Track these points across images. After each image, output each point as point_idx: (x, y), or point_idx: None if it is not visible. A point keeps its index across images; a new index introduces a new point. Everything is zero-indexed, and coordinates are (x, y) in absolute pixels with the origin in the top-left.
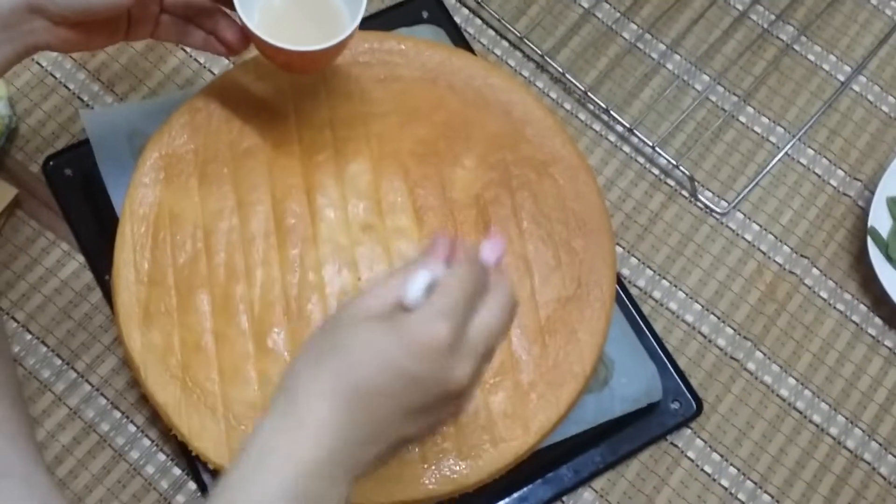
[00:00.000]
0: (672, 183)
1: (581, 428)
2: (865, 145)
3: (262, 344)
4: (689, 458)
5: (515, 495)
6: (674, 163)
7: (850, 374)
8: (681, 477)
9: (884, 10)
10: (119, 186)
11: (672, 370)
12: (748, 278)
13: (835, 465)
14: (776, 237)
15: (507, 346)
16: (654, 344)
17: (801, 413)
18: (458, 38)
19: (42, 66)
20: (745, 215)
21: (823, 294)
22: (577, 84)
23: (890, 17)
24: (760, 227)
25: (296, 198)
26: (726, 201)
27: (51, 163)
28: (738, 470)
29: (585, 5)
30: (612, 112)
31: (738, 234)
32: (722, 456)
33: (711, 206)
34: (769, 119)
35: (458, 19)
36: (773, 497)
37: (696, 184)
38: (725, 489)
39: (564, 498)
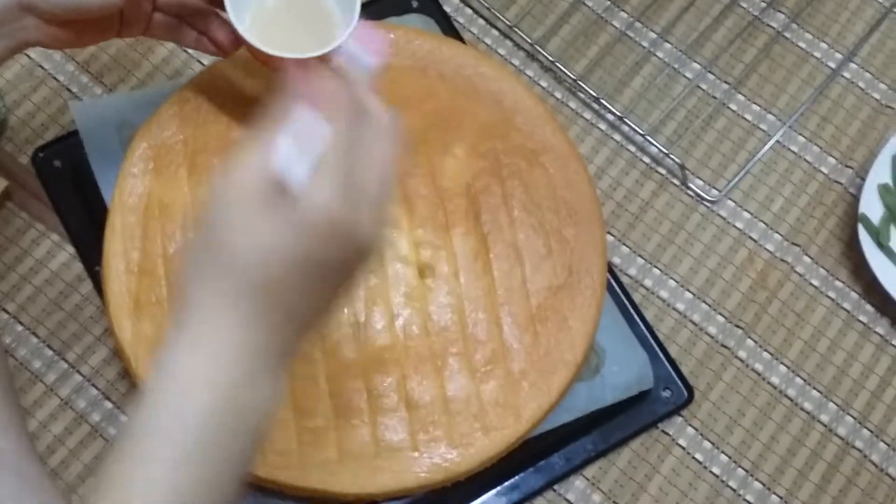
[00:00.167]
0: (663, 171)
1: (572, 416)
2: (856, 132)
3: None
4: (680, 446)
5: (507, 484)
6: (665, 151)
7: (841, 362)
8: (672, 465)
9: None
10: (108, 177)
11: (663, 358)
12: (739, 266)
13: (826, 452)
14: (767, 225)
15: (499, 334)
16: (646, 332)
17: (792, 401)
18: (448, 28)
19: (31, 58)
20: (735, 203)
21: (815, 281)
22: (568, 72)
23: (881, 3)
24: (751, 214)
25: None
26: (717, 189)
27: (40, 154)
28: (730, 457)
29: None
30: (602, 100)
31: (728, 222)
32: (713, 444)
33: (702, 193)
34: (760, 107)
35: (447, 8)
36: (764, 485)
37: (686, 172)
38: (717, 476)
39: (556, 486)
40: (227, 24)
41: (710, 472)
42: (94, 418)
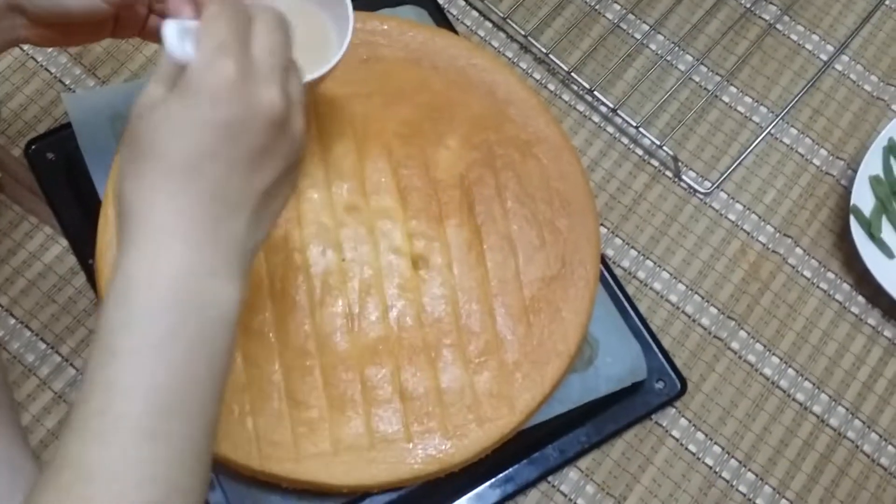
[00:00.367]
0: (656, 163)
1: (566, 407)
2: (848, 124)
3: (248, 325)
4: (673, 437)
5: (501, 475)
6: (657, 143)
7: (833, 353)
8: (665, 456)
9: None
10: (102, 169)
11: (656, 350)
12: (732, 258)
13: (819, 443)
14: (759, 216)
15: (492, 325)
16: (639, 323)
17: (784, 392)
18: (442, 19)
19: (23, 50)
20: (728, 195)
21: (807, 273)
22: (561, 65)
23: None
24: (744, 206)
25: None
26: (710, 181)
27: (33, 147)
28: (723, 449)
29: None
30: (595, 93)
31: (721, 214)
32: (706, 435)
33: (695, 185)
34: (752, 99)
35: (441, 0)
36: (757, 475)
37: (679, 164)
38: (710, 468)
39: (550, 478)
40: None
41: (704, 463)
42: None
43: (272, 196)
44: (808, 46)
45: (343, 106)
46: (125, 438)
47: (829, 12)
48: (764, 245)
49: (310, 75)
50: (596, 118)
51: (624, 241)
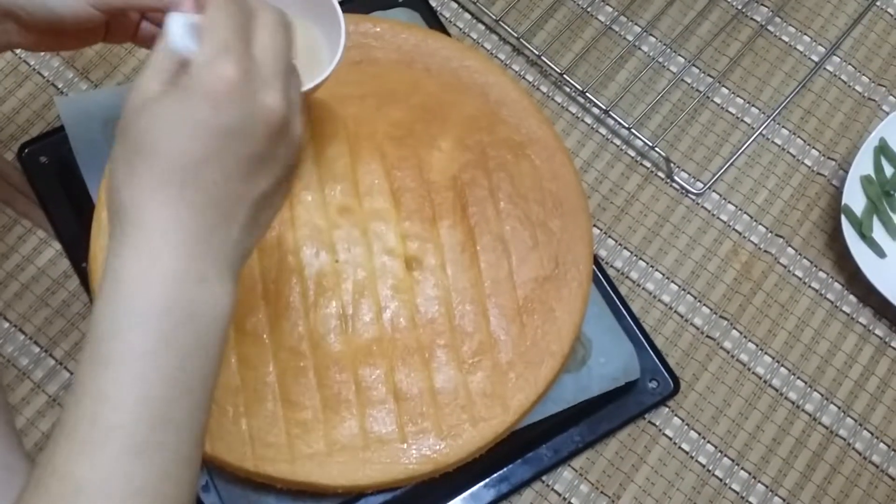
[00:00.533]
0: (648, 164)
1: (560, 407)
2: (839, 125)
3: (241, 327)
4: (666, 437)
5: (495, 475)
6: (650, 144)
7: (825, 352)
8: (659, 455)
9: None
10: (95, 173)
11: (649, 349)
12: (724, 258)
13: (811, 441)
14: (751, 217)
15: (486, 325)
16: (632, 324)
17: (776, 390)
18: (434, 22)
19: (16, 54)
20: (720, 196)
21: (798, 273)
22: (553, 66)
23: None
24: (736, 207)
25: None
26: (702, 182)
27: (26, 150)
28: (716, 447)
29: None
30: (588, 94)
31: (713, 215)
32: (699, 434)
33: (687, 186)
34: (744, 100)
35: (433, 3)
36: (750, 474)
37: (671, 165)
38: (703, 466)
39: (544, 477)
40: None
41: (697, 461)
42: None
43: (267, 202)
44: (800, 47)
45: (336, 108)
46: (115, 451)
47: (820, 13)
48: (756, 245)
49: (301, 87)
50: (588, 119)
51: (617, 241)
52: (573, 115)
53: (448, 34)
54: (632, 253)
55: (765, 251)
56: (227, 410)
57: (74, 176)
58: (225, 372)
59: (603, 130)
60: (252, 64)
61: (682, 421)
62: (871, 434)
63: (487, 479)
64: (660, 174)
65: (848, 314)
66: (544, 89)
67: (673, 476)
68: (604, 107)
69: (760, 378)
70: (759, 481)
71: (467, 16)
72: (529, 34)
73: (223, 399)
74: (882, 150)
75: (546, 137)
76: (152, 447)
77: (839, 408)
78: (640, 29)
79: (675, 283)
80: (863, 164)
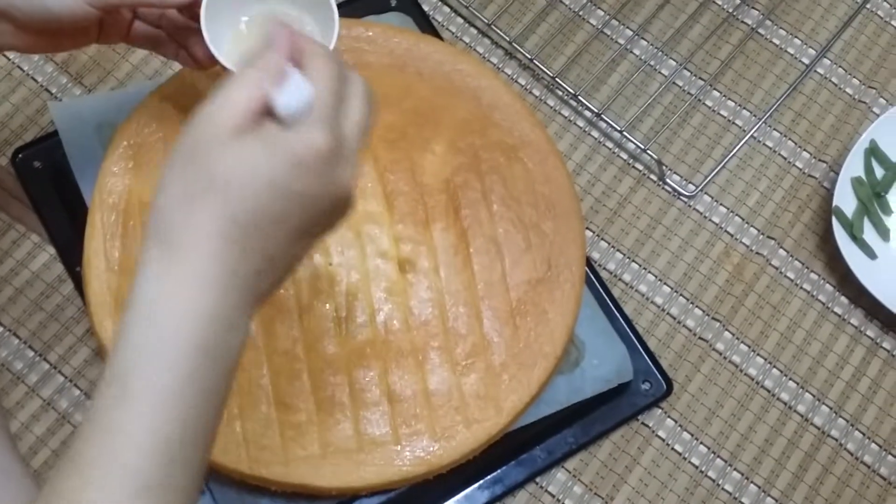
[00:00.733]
0: (640, 167)
1: (553, 409)
2: (830, 127)
3: None
4: (659, 438)
5: (489, 477)
6: (642, 147)
7: (816, 353)
8: (652, 456)
9: None
10: (88, 177)
11: (642, 351)
12: (716, 260)
13: (803, 442)
14: (743, 219)
15: (479, 328)
16: (625, 325)
17: (769, 391)
18: (427, 26)
19: (9, 59)
20: (712, 198)
21: (790, 274)
22: (546, 70)
23: None
24: (727, 209)
25: None
26: (694, 184)
27: (20, 155)
28: (708, 448)
29: None
30: (580, 98)
31: (705, 217)
32: (692, 435)
33: (679, 189)
34: (735, 103)
35: (426, 7)
36: (742, 474)
37: (663, 168)
38: (696, 467)
39: (538, 479)
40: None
41: (690, 462)
42: (77, 419)
43: (300, 256)
44: (791, 50)
45: None
46: (125, 488)
47: (810, 17)
48: (748, 247)
49: None
50: (581, 123)
51: (609, 243)
52: (565, 118)
53: (440, 38)
54: (624, 255)
55: (756, 253)
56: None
57: (68, 180)
58: None
59: (595, 133)
60: (341, 138)
61: (675, 422)
62: (863, 435)
63: (481, 481)
64: (652, 177)
65: (839, 315)
66: (537, 93)
67: (666, 477)
68: (596, 110)
69: (753, 379)
70: (751, 482)
71: (459, 20)
72: (521, 38)
73: None
74: (872, 151)
75: (538, 140)
76: (163, 486)
77: (831, 409)
78: (631, 32)
79: (668, 285)
80: (853, 165)
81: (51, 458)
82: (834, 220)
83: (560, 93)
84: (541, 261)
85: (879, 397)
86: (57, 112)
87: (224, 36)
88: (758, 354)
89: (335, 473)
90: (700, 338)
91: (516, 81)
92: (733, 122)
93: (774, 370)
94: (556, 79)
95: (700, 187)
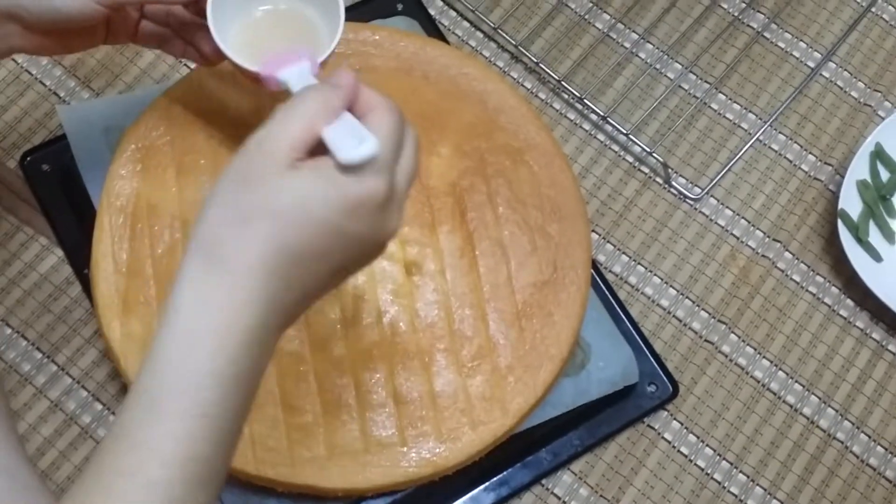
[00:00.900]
0: (646, 170)
1: (559, 411)
2: (836, 130)
3: None
4: (665, 440)
5: (495, 479)
6: (647, 150)
7: (822, 356)
8: (658, 458)
9: None
10: (96, 180)
11: (648, 354)
12: (722, 263)
13: (808, 444)
14: (749, 222)
15: (485, 330)
16: (631, 328)
17: (774, 394)
18: (433, 30)
19: (18, 63)
20: (718, 201)
21: (796, 277)
22: (552, 74)
23: (859, 3)
24: (733, 212)
25: None
26: (699, 187)
27: (28, 158)
28: (714, 451)
29: None
30: (586, 101)
31: (711, 220)
32: (698, 437)
33: (685, 192)
34: (741, 106)
35: (432, 11)
36: (748, 477)
37: (669, 170)
38: (702, 469)
39: (544, 481)
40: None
41: (696, 465)
42: (85, 420)
43: (332, 287)
44: (796, 54)
45: None
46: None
47: (816, 20)
48: (753, 250)
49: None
50: (587, 126)
51: (615, 246)
52: (571, 121)
53: (447, 42)
54: (630, 258)
55: (762, 256)
56: None
57: (76, 183)
58: None
59: (601, 136)
60: (394, 187)
61: (681, 424)
62: (869, 437)
63: (487, 483)
64: (658, 180)
65: (845, 318)
66: (543, 96)
67: (672, 479)
68: (602, 113)
69: (759, 382)
70: (757, 484)
71: (466, 24)
72: (528, 42)
73: None
74: (878, 154)
75: (544, 143)
76: (186, 503)
77: (837, 411)
78: (637, 36)
79: (674, 288)
80: (859, 168)
81: (58, 459)
82: (839, 223)
83: (566, 96)
84: (546, 263)
85: (885, 400)
86: (65, 115)
87: (231, 30)
88: (764, 357)
89: (341, 475)
90: (706, 340)
91: (522, 85)
92: (739, 125)
93: (780, 372)
94: (562, 82)
95: (706, 190)
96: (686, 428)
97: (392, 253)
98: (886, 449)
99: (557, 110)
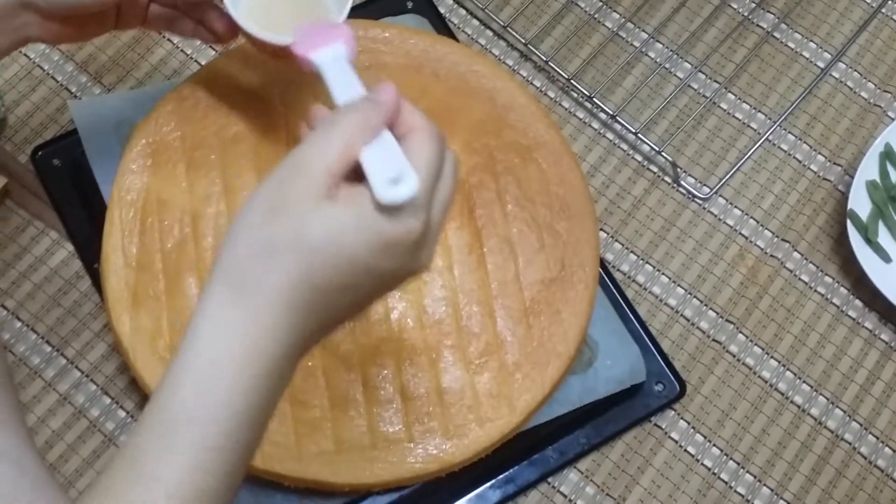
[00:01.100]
0: (655, 169)
1: (566, 409)
2: (845, 131)
3: None
4: (672, 439)
5: (501, 476)
6: (656, 149)
7: (830, 356)
8: (664, 457)
9: None
10: (107, 175)
11: (655, 353)
12: (730, 262)
13: (816, 445)
14: (757, 222)
15: (493, 327)
16: (638, 327)
17: (782, 394)
18: (443, 28)
19: (30, 59)
20: (726, 200)
21: (804, 277)
22: (561, 72)
23: (869, 4)
24: (742, 211)
25: None
26: (708, 187)
27: (39, 153)
28: (721, 450)
29: None
30: (595, 99)
31: (720, 219)
32: (705, 437)
33: (694, 191)
34: (750, 106)
35: (442, 9)
36: (755, 477)
37: (678, 170)
38: (708, 469)
39: (550, 479)
40: (224, 14)
41: (702, 464)
42: (93, 413)
43: (353, 317)
44: (806, 54)
45: None
46: None
47: (826, 20)
48: (762, 250)
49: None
50: (595, 125)
51: (623, 245)
52: (580, 119)
53: (456, 40)
54: (638, 257)
55: (771, 256)
56: None
57: (87, 178)
58: None
59: (610, 135)
60: (428, 223)
61: (688, 424)
62: (877, 438)
63: (493, 480)
64: (666, 179)
65: (853, 319)
66: (552, 94)
67: (678, 479)
68: (611, 112)
69: (766, 382)
70: (764, 485)
71: (475, 22)
72: (537, 40)
73: None
74: (887, 155)
75: (553, 142)
76: None
77: (845, 412)
78: (646, 35)
79: (682, 287)
80: (868, 169)
81: (66, 452)
82: (849, 224)
83: (575, 95)
84: (554, 261)
85: (893, 401)
86: (76, 111)
87: (240, 4)
88: (772, 357)
89: (348, 470)
90: (714, 340)
91: (532, 83)
92: (748, 125)
93: (788, 373)
94: (572, 81)
95: (715, 190)
96: (693, 427)
97: None
98: (894, 450)
99: (566, 109)
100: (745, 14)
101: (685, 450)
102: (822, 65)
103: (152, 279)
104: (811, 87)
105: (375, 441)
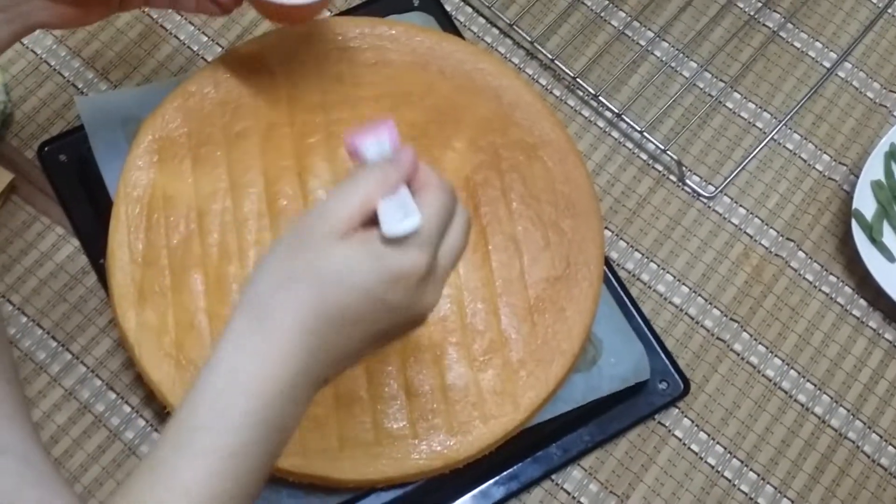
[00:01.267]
0: (660, 168)
1: (570, 406)
2: (850, 130)
3: None
4: (676, 437)
5: (505, 473)
6: (662, 148)
7: (834, 355)
8: (668, 455)
9: None
10: (113, 171)
11: (660, 350)
12: (735, 261)
13: (819, 443)
14: (762, 221)
15: (497, 324)
16: (643, 325)
17: (786, 393)
18: (449, 26)
19: (37, 54)
20: (731, 199)
21: (809, 276)
22: (567, 70)
23: (875, 4)
24: (747, 210)
25: (288, 180)
26: (713, 186)
27: (46, 149)
28: (725, 448)
29: None
30: (600, 98)
31: (725, 218)
32: (709, 435)
33: (699, 190)
34: (756, 105)
35: (448, 7)
36: (758, 475)
37: (683, 168)
38: (712, 467)
39: (554, 476)
40: None
41: (706, 462)
42: (98, 408)
43: (366, 353)
44: (812, 54)
45: (351, 108)
46: None
47: (832, 20)
48: (767, 249)
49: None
50: (601, 123)
51: (628, 243)
52: (586, 118)
53: (462, 38)
54: (643, 255)
55: (776, 255)
56: None
57: (93, 174)
58: None
59: (615, 134)
60: (436, 262)
61: (692, 422)
62: (880, 437)
63: (497, 477)
64: (672, 177)
65: (858, 318)
66: (557, 93)
67: (682, 476)
68: (616, 110)
69: (770, 380)
70: (767, 482)
71: (482, 20)
72: (543, 38)
73: None
74: (893, 155)
75: (559, 140)
76: None
77: (848, 410)
78: (652, 34)
79: (686, 286)
80: (873, 169)
81: (72, 447)
82: (853, 223)
83: (581, 93)
84: (559, 259)
85: None
86: (83, 106)
87: None
88: (776, 356)
89: (352, 466)
90: (718, 338)
91: (537, 81)
92: (754, 125)
93: (792, 371)
94: (577, 79)
95: (720, 188)
96: (697, 425)
97: None
98: None
99: (572, 107)
100: (752, 13)
101: (689, 448)
102: (827, 64)
103: (158, 275)
104: (817, 86)
105: (380, 437)
